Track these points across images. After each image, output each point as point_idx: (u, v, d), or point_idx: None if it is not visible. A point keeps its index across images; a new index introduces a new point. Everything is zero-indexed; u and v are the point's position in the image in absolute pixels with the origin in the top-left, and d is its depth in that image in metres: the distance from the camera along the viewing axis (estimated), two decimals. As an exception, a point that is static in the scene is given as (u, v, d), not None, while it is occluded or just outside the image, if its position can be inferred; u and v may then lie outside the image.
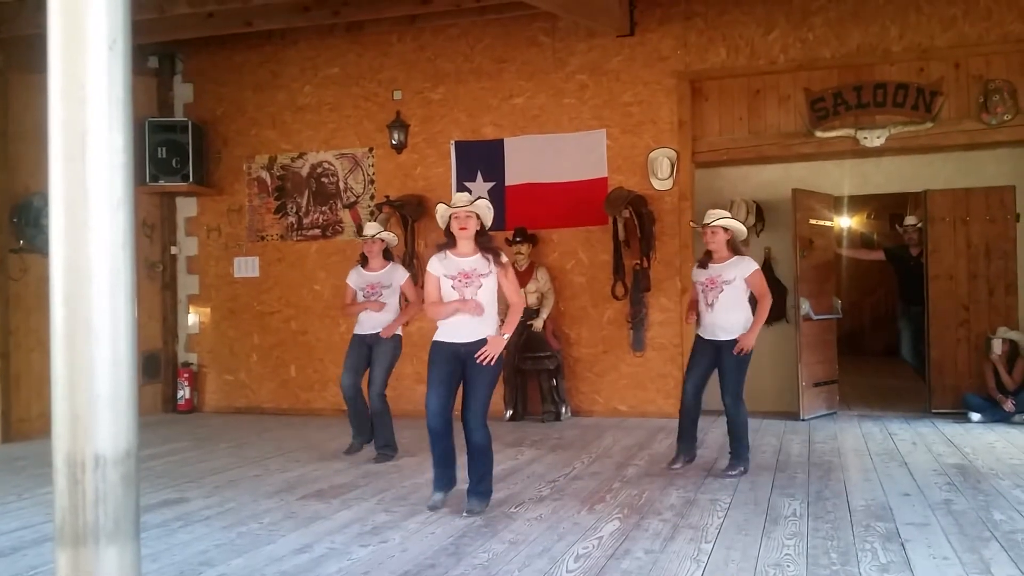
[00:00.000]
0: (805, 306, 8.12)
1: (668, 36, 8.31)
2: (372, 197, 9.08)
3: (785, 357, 8.35)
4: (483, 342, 4.69)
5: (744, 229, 5.86)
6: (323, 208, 9.30)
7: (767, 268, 8.41)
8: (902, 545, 3.97)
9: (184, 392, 9.47)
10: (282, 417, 9.04)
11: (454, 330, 4.73)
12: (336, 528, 4.48)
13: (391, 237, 6.48)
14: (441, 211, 4.84)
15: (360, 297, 6.40)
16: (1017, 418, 7.55)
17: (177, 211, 9.75)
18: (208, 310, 9.68)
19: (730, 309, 5.59)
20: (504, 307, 4.94)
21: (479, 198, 4.86)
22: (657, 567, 3.71)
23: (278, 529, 4.49)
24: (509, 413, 8.27)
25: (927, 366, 8.40)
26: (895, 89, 7.88)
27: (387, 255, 6.45)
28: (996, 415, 7.62)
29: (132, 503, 1.58)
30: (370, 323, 6.35)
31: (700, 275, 5.74)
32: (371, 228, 6.46)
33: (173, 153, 9.14)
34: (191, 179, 9.19)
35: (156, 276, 9.56)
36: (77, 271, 1.53)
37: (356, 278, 6.48)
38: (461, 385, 4.81)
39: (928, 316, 8.36)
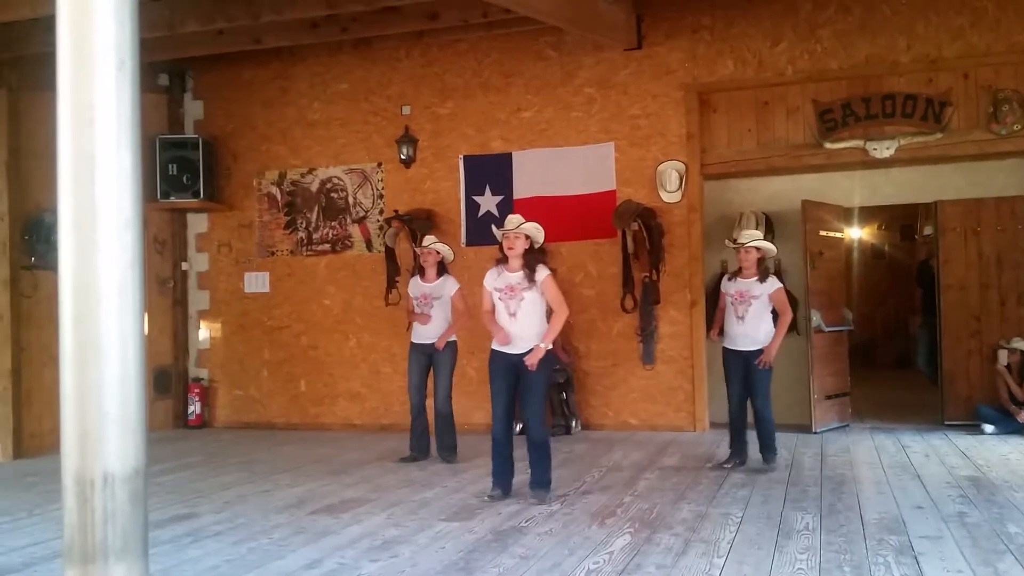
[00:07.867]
0: (816, 318, 8.09)
1: (676, 49, 8.32)
2: (381, 212, 9.10)
3: (797, 369, 8.29)
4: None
5: (774, 249, 6.42)
6: (332, 223, 9.33)
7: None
8: (915, 559, 3.94)
9: (195, 407, 9.49)
10: (292, 432, 9.04)
11: (508, 342, 5.33)
12: (346, 543, 4.48)
13: (446, 250, 6.85)
14: (497, 233, 5.46)
15: (415, 306, 6.80)
16: (1031, 429, 7.50)
17: (188, 227, 9.79)
18: (219, 325, 9.71)
19: (756, 321, 6.18)
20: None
21: (528, 222, 5.40)
22: (668, 582, 3.70)
23: (288, 544, 4.49)
24: (519, 427, 8.23)
25: (939, 377, 8.36)
26: (904, 100, 7.87)
27: (442, 268, 6.77)
28: (1009, 426, 7.56)
29: (140, 521, 1.58)
30: (425, 333, 6.73)
31: (731, 287, 6.31)
32: (427, 239, 6.89)
33: (184, 170, 9.19)
34: (202, 195, 9.25)
35: (167, 292, 9.60)
36: (86, 291, 1.54)
37: (413, 287, 6.92)
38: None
39: (940, 327, 8.32)
